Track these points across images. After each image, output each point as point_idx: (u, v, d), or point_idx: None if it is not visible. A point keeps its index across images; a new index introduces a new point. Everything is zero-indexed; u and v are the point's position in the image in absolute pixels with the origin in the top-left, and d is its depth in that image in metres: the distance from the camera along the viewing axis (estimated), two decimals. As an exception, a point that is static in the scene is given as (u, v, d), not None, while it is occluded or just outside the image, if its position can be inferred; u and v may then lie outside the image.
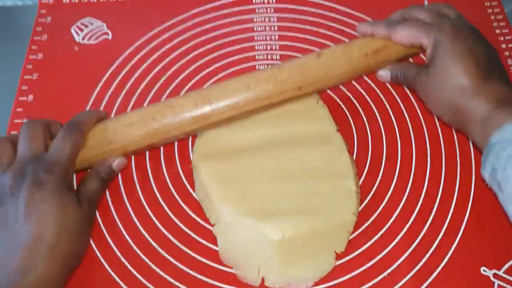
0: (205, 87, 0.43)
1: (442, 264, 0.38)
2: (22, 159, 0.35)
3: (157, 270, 0.38)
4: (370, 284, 0.37)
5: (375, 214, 0.41)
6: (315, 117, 0.44)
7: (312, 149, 0.42)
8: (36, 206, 0.33)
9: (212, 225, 0.40)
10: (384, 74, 0.45)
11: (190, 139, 0.45)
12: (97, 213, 0.41)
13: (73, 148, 0.37)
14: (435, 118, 0.45)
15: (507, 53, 0.50)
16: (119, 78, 0.48)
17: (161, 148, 0.44)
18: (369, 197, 0.41)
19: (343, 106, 0.47)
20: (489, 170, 0.34)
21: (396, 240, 0.39)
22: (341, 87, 0.48)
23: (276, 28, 0.52)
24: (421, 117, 0.46)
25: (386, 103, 0.47)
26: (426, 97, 0.41)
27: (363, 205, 0.41)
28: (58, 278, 0.33)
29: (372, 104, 0.47)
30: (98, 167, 0.39)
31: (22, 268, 0.32)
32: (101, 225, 0.40)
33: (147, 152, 0.44)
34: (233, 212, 0.39)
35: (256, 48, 0.51)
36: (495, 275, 0.38)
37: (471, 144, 0.44)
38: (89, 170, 0.40)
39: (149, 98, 0.47)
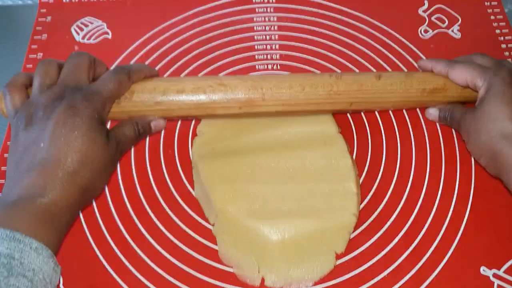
0: (257, 75, 0.43)
1: (442, 264, 0.38)
2: (63, 83, 0.36)
3: (157, 269, 0.38)
4: (370, 283, 0.37)
5: (375, 214, 0.41)
6: (318, 118, 0.44)
7: (313, 150, 0.42)
8: (65, 131, 0.33)
9: (212, 224, 0.40)
10: (433, 112, 0.44)
11: (190, 138, 0.45)
12: (96, 211, 0.41)
13: (117, 87, 0.37)
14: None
15: (507, 53, 0.50)
16: (119, 77, 0.48)
17: (161, 148, 0.44)
18: (368, 197, 0.41)
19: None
20: None
21: (396, 240, 0.39)
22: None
23: (276, 28, 0.52)
24: (421, 117, 0.46)
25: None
26: (467, 137, 0.40)
27: (362, 205, 0.41)
28: (71, 207, 0.33)
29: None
30: (138, 119, 0.39)
31: (36, 186, 0.32)
32: (101, 225, 0.40)
33: (147, 153, 0.44)
34: (232, 212, 0.39)
35: (256, 48, 0.51)
36: (494, 275, 0.38)
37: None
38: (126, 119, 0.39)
39: (149, 97, 0.47)
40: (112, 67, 0.39)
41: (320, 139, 0.43)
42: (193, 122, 0.46)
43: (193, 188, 0.42)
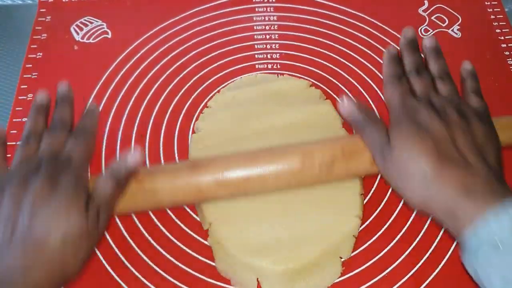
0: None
1: (442, 263, 0.38)
2: (40, 155, 0.34)
3: (157, 269, 0.38)
4: (369, 283, 0.37)
5: (375, 214, 0.40)
6: (322, 121, 0.44)
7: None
8: (45, 206, 0.31)
9: (206, 230, 0.40)
10: (346, 106, 0.38)
11: (190, 133, 0.45)
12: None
13: (89, 148, 0.36)
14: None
15: (507, 53, 0.50)
16: (118, 77, 0.48)
17: (161, 148, 0.44)
18: (368, 197, 0.41)
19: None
20: (471, 271, 0.30)
21: (396, 239, 0.39)
22: (342, 87, 0.48)
23: (276, 28, 0.52)
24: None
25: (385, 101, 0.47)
26: (390, 176, 0.35)
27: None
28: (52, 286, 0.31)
29: (371, 102, 0.47)
30: (113, 170, 0.34)
31: (17, 269, 0.30)
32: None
33: (147, 152, 0.44)
34: (229, 248, 0.37)
35: (256, 47, 0.51)
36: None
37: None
38: (101, 173, 0.35)
39: (148, 97, 0.47)
40: (75, 130, 0.37)
41: (324, 136, 0.42)
42: (194, 121, 0.46)
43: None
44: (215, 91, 0.47)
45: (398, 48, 0.40)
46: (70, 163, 0.33)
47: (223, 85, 0.48)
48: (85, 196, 0.32)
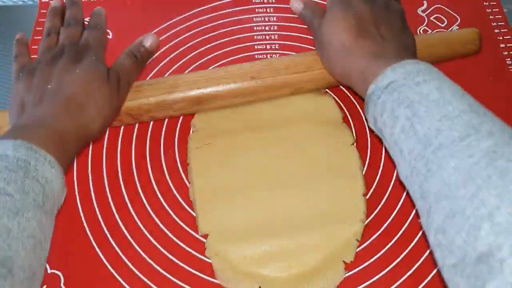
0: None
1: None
2: (61, 43, 0.40)
3: (157, 268, 0.38)
4: (368, 282, 0.37)
5: (375, 213, 0.41)
6: (321, 111, 0.44)
7: (316, 145, 0.42)
8: (69, 73, 0.36)
9: (202, 236, 0.39)
10: (297, 6, 0.45)
11: (191, 133, 0.45)
12: (97, 210, 0.41)
13: (104, 35, 0.42)
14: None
15: (506, 53, 0.50)
16: (119, 77, 0.48)
17: (161, 148, 0.44)
18: (368, 196, 0.41)
19: (342, 104, 0.47)
20: (372, 121, 0.35)
21: (395, 239, 0.39)
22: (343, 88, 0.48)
23: (276, 28, 0.52)
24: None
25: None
26: (320, 52, 0.41)
27: (362, 203, 0.41)
28: (78, 139, 0.36)
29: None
30: (131, 47, 0.42)
31: (46, 116, 0.34)
32: (102, 224, 0.40)
33: (147, 153, 0.44)
34: (229, 256, 0.37)
35: (256, 48, 0.51)
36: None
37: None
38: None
39: (149, 97, 0.47)
40: (88, 25, 0.42)
41: (324, 132, 0.43)
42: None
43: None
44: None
45: None
46: (89, 46, 0.39)
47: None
48: (105, 69, 0.38)
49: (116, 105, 0.39)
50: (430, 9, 0.54)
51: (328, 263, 0.37)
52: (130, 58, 0.41)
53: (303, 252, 0.37)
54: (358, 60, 0.36)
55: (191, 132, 0.45)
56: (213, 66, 0.49)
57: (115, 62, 0.40)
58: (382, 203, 0.41)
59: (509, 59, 0.50)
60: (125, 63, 0.40)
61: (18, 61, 0.40)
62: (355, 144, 0.43)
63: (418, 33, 0.52)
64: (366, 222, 0.40)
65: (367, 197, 0.41)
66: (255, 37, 0.52)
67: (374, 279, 0.38)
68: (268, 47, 0.51)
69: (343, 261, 0.38)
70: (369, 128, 0.44)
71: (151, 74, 0.49)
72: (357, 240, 0.38)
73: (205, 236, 0.39)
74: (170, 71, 0.49)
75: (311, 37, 0.51)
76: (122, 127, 0.45)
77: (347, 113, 0.46)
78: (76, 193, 0.42)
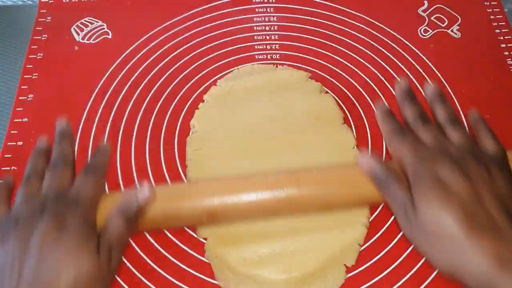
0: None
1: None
2: (44, 194, 0.33)
3: (157, 268, 0.38)
4: (370, 283, 0.37)
5: (375, 213, 0.40)
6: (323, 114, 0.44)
7: (318, 146, 0.41)
8: (54, 248, 0.29)
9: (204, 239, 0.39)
10: (366, 161, 0.35)
11: (191, 133, 0.45)
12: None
13: (97, 186, 0.34)
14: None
15: (506, 53, 0.50)
16: (119, 77, 0.48)
17: (161, 148, 0.44)
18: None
19: (341, 104, 0.47)
20: None
21: (396, 239, 0.39)
22: (341, 86, 0.48)
23: (276, 28, 0.52)
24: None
25: (384, 101, 0.47)
26: (408, 231, 0.32)
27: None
28: None
29: (370, 102, 0.47)
30: (122, 206, 0.33)
31: None
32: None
33: (147, 152, 0.44)
34: (228, 260, 0.37)
35: (256, 48, 0.51)
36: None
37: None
38: (110, 210, 0.33)
39: (149, 97, 0.47)
40: (85, 167, 0.35)
41: (324, 135, 0.42)
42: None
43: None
44: (215, 91, 0.48)
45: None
46: (79, 202, 0.32)
47: (223, 85, 0.48)
48: (95, 236, 0.31)
49: (107, 282, 0.31)
50: (431, 9, 0.54)
51: (329, 266, 0.37)
52: (121, 221, 0.32)
53: (304, 255, 0.37)
54: (477, 262, 0.28)
55: (190, 133, 0.45)
56: (213, 67, 0.49)
57: (105, 228, 0.32)
58: (382, 203, 0.41)
59: (509, 59, 0.50)
60: (116, 231, 0.32)
61: (28, 187, 0.33)
62: (355, 147, 0.42)
63: (419, 33, 0.52)
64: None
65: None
66: (255, 37, 0.51)
67: (375, 279, 0.37)
68: (268, 47, 0.51)
69: (344, 264, 0.37)
70: (370, 130, 0.44)
71: (149, 75, 0.49)
72: (359, 244, 0.38)
73: (205, 238, 0.39)
74: (170, 71, 0.49)
75: (311, 37, 0.51)
76: (122, 127, 0.45)
77: (347, 114, 0.46)
78: (76, 193, 0.42)
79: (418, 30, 0.52)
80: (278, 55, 0.50)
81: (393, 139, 0.35)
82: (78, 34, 0.51)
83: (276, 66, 0.49)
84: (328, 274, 0.37)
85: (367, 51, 0.50)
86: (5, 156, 0.44)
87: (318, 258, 0.37)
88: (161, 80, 0.48)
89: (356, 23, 0.52)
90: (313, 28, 0.52)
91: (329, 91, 0.47)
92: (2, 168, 0.43)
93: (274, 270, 0.36)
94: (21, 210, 0.31)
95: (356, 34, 0.51)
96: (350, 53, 0.50)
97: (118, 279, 0.37)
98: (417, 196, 0.31)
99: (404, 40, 0.51)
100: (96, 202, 0.33)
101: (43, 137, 0.37)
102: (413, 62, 0.49)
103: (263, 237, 0.37)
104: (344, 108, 0.46)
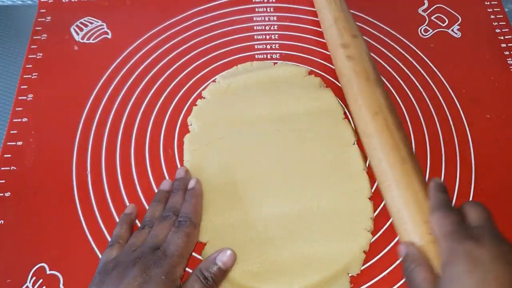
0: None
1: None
2: (145, 244, 0.35)
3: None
4: (370, 283, 0.37)
5: (375, 213, 0.40)
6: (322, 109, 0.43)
7: (318, 145, 0.41)
8: None
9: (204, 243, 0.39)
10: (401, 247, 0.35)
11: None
12: (96, 211, 0.41)
13: (186, 241, 0.35)
14: (435, 119, 0.45)
15: (507, 53, 0.50)
16: (118, 77, 0.48)
17: (161, 147, 0.44)
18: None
19: (342, 104, 0.46)
20: None
21: (395, 239, 0.39)
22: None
23: (276, 28, 0.52)
24: (421, 117, 0.46)
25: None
26: None
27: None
28: None
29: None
30: (202, 265, 0.35)
31: None
32: (101, 224, 0.40)
33: (147, 152, 0.44)
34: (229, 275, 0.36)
35: (256, 47, 0.51)
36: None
37: (471, 144, 0.44)
38: (192, 272, 0.35)
39: (148, 97, 0.47)
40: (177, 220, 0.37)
41: (325, 131, 0.42)
42: (193, 122, 0.46)
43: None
44: (215, 91, 0.48)
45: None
46: (166, 255, 0.34)
47: (223, 85, 0.48)
48: None
49: None
50: (431, 8, 0.54)
51: (333, 278, 0.36)
52: (199, 282, 0.34)
53: (306, 267, 0.36)
54: None
55: (189, 132, 0.45)
56: (213, 66, 0.49)
57: (182, 286, 0.34)
58: (383, 203, 0.41)
59: (510, 59, 0.50)
60: None
61: (111, 251, 0.36)
62: (356, 143, 0.42)
63: (419, 32, 0.52)
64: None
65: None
66: (255, 37, 0.51)
67: (375, 279, 0.37)
68: (268, 47, 0.51)
69: (348, 273, 0.37)
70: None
71: (149, 75, 0.48)
72: (364, 252, 0.37)
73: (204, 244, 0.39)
74: (170, 70, 0.49)
75: (311, 37, 0.51)
76: (122, 127, 0.45)
77: (346, 110, 0.46)
78: (76, 194, 0.42)
79: (419, 30, 0.52)
80: (278, 55, 0.50)
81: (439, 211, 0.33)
82: (78, 34, 0.51)
83: (274, 63, 0.49)
84: (332, 284, 0.36)
85: (367, 51, 0.50)
86: (5, 156, 0.44)
87: (320, 271, 0.35)
88: (161, 80, 0.48)
89: (356, 23, 0.52)
90: (313, 28, 0.52)
91: (329, 77, 0.47)
92: (2, 168, 0.43)
93: (275, 284, 0.35)
94: (122, 259, 0.34)
95: (356, 34, 0.51)
96: (350, 53, 0.50)
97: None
98: (445, 275, 0.30)
99: (405, 40, 0.51)
100: (184, 255, 0.35)
101: (168, 181, 0.41)
102: (413, 62, 0.49)
103: (263, 248, 0.37)
104: (344, 107, 0.46)
